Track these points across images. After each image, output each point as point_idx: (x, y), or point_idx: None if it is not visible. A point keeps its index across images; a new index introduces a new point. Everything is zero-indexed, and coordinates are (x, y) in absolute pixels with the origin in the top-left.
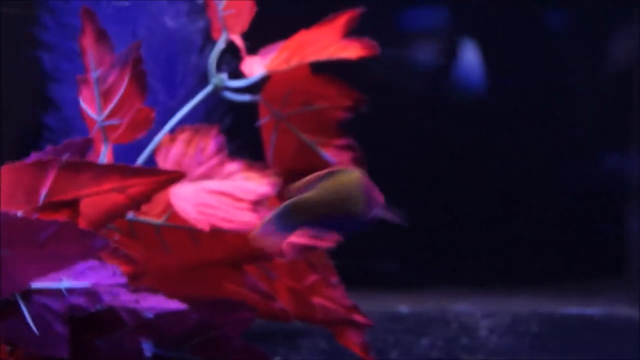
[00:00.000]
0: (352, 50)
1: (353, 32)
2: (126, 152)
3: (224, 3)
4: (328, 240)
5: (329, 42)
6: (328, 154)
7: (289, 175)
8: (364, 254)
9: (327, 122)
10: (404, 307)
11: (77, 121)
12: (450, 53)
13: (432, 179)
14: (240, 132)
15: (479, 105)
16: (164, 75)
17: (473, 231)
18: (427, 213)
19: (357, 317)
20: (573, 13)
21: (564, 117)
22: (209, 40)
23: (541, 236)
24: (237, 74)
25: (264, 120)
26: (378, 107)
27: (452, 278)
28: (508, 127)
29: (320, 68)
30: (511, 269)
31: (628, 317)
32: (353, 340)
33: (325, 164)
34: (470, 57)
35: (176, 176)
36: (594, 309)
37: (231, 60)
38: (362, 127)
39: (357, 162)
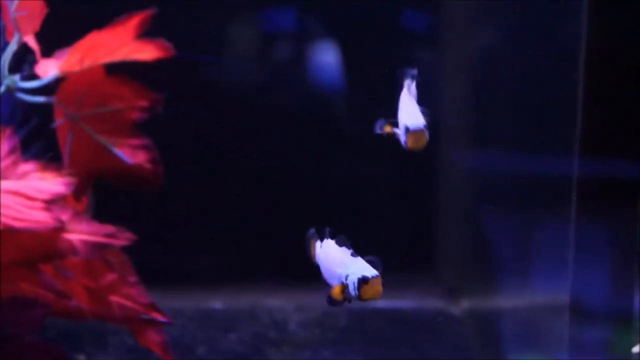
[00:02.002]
0: (146, 52)
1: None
2: None
3: (15, 4)
4: (123, 239)
5: (122, 43)
6: (124, 154)
7: (85, 175)
8: (181, 252)
9: (123, 122)
10: (218, 304)
11: None
12: (306, 55)
13: (244, 175)
14: (45, 133)
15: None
16: None
17: (285, 227)
18: (239, 210)
19: (156, 315)
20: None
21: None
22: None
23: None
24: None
25: (59, 121)
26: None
27: (267, 274)
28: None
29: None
30: None
31: (437, 310)
32: (152, 339)
33: (121, 164)
34: (326, 59)
35: None
36: (403, 303)
37: (34, 61)
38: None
39: (153, 162)
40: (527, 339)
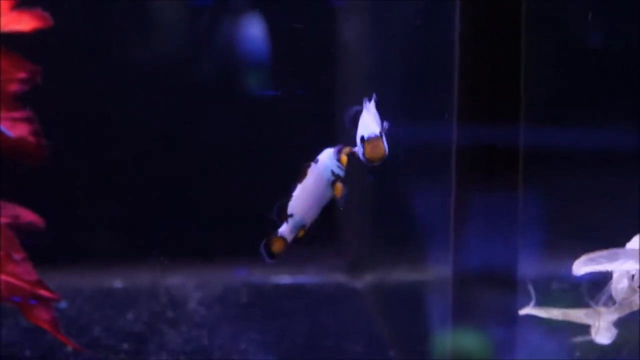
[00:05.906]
0: (25, 23)
1: None
2: None
3: None
4: (6, 217)
5: None
6: (5, 127)
7: None
8: (79, 231)
9: (3, 95)
10: (118, 282)
11: None
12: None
13: (144, 150)
14: None
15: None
16: None
17: (189, 205)
18: (139, 185)
19: (43, 293)
20: None
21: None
22: None
23: (253, 208)
24: None
25: None
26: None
27: (167, 251)
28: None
29: None
30: (226, 240)
31: (340, 284)
32: (41, 317)
33: (2, 137)
34: (253, 32)
35: None
36: (305, 277)
37: None
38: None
39: (36, 134)
40: (425, 312)
